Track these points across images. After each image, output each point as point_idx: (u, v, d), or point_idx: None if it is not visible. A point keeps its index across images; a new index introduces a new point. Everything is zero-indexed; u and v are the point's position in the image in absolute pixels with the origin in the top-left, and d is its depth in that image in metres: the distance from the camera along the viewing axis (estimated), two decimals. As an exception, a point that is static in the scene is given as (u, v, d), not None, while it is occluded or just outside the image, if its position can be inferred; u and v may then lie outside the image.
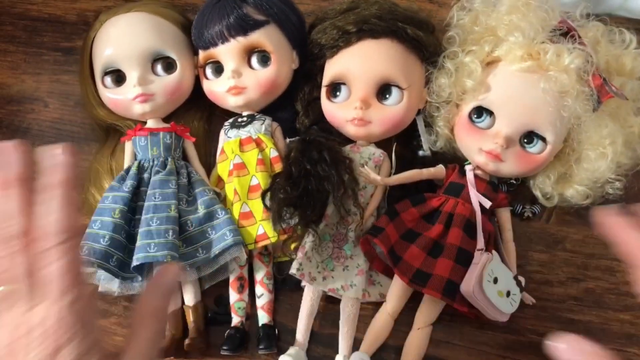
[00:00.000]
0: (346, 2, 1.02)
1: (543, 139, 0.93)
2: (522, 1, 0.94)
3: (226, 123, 1.05)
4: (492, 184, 0.98)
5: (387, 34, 0.96)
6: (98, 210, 0.97)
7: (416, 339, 0.92)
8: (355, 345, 0.94)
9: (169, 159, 1.01)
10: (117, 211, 0.96)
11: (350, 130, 0.99)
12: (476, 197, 0.94)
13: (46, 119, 1.13)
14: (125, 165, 1.02)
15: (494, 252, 0.91)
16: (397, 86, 0.97)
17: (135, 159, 1.02)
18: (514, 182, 1.02)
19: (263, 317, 0.97)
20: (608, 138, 0.94)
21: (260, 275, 0.98)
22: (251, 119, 1.02)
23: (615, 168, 0.96)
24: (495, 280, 0.89)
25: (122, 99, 1.01)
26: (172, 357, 0.96)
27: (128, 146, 1.03)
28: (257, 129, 1.02)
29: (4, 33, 1.18)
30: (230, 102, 1.02)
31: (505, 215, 0.98)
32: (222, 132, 1.06)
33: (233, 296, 0.98)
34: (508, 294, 0.91)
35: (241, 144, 1.01)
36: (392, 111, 0.97)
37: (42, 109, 1.14)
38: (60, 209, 0.55)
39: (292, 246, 0.95)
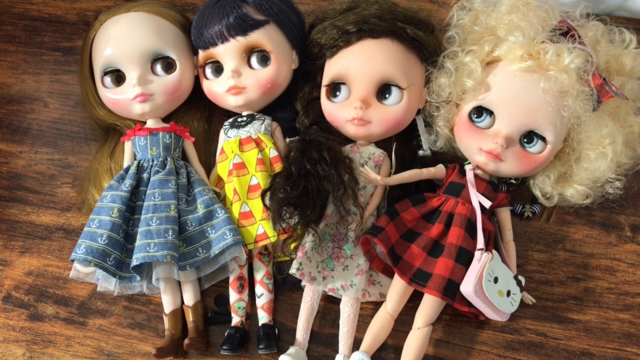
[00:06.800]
0: (346, 2, 1.02)
1: (543, 139, 0.93)
2: (522, 1, 0.95)
3: (226, 123, 1.05)
4: (492, 184, 0.98)
5: (387, 33, 0.96)
6: (96, 209, 0.97)
7: (416, 339, 0.92)
8: (355, 345, 0.94)
9: (169, 159, 1.01)
10: (115, 210, 0.95)
11: (350, 130, 0.99)
12: (476, 197, 0.94)
13: (46, 119, 1.13)
14: (125, 165, 1.02)
15: (494, 251, 0.91)
16: (397, 86, 0.97)
17: (135, 159, 1.02)
18: (514, 181, 1.02)
19: (263, 317, 0.97)
20: (608, 138, 0.94)
21: (260, 275, 0.98)
22: (251, 118, 1.02)
23: (615, 167, 0.96)
24: (496, 280, 0.89)
25: (121, 98, 1.01)
26: (172, 357, 0.96)
27: (127, 146, 1.03)
28: (256, 128, 1.02)
29: (4, 33, 1.18)
30: (230, 101, 1.02)
31: (505, 215, 0.98)
32: (221, 132, 1.06)
33: (233, 296, 0.98)
34: (508, 293, 0.91)
35: (241, 143, 1.01)
36: (392, 111, 0.97)
37: (42, 108, 1.14)
38: None
39: (292, 246, 0.95)
